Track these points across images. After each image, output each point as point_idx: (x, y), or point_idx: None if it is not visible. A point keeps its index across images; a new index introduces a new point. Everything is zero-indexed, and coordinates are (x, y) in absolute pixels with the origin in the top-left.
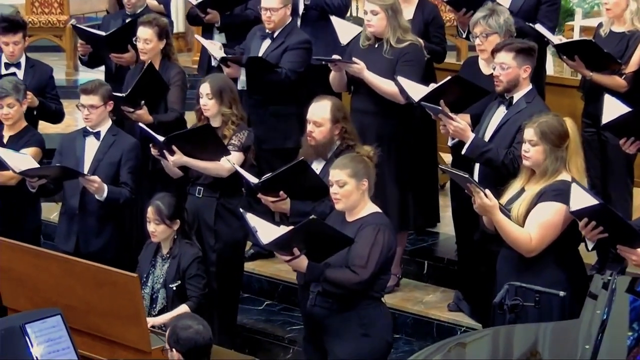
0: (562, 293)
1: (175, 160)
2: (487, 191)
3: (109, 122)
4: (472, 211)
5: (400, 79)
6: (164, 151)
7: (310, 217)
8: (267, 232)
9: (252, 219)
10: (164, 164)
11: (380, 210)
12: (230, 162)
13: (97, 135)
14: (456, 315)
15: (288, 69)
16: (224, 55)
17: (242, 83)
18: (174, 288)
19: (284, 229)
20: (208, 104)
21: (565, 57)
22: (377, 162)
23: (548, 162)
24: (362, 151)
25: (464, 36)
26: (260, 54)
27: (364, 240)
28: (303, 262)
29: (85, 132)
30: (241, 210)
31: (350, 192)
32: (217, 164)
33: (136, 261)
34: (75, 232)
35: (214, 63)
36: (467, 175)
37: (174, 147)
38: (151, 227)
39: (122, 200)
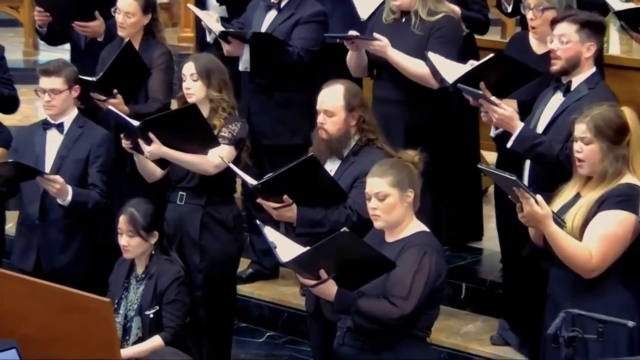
0: (631, 323)
1: (152, 150)
2: (539, 197)
3: (75, 112)
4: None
5: (431, 54)
6: (139, 141)
7: (342, 229)
8: (288, 249)
9: (271, 234)
10: (138, 163)
11: (427, 229)
12: (224, 159)
13: (60, 127)
14: (501, 349)
15: (300, 47)
16: (223, 28)
17: (245, 63)
18: (151, 315)
19: (301, 248)
20: (193, 86)
21: (627, 26)
22: (422, 169)
23: (607, 163)
24: (405, 156)
25: (509, 10)
26: (263, 29)
27: (406, 266)
28: (331, 288)
29: (45, 125)
30: (258, 222)
31: (393, 206)
32: (203, 157)
33: (102, 278)
34: (35, 246)
35: (209, 39)
36: (513, 177)
37: (151, 135)
38: (123, 240)
39: (91, 204)
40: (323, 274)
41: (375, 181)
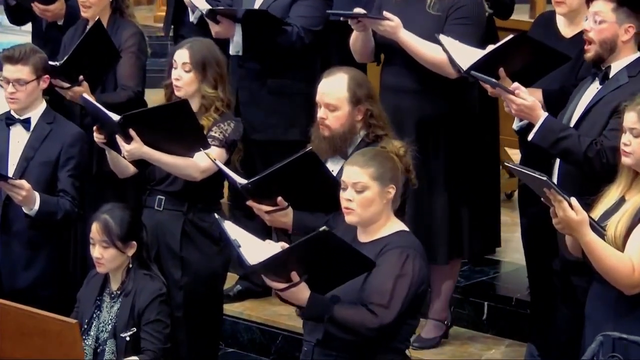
0: None
1: (131, 150)
2: (574, 200)
3: (43, 105)
4: (551, 230)
5: (443, 37)
6: (117, 137)
7: (322, 227)
8: (254, 248)
9: (233, 230)
10: (110, 158)
11: (406, 228)
12: (210, 155)
13: (26, 123)
14: None
15: (301, 26)
16: (209, 6)
17: (236, 46)
18: (128, 338)
19: (273, 245)
20: (183, 78)
21: None
22: (408, 164)
23: None
24: (389, 146)
25: None
26: (256, 6)
27: (387, 270)
28: (304, 292)
29: (9, 120)
30: (216, 216)
31: (371, 201)
32: (188, 160)
33: (75, 300)
34: None
35: (191, 18)
36: (544, 177)
37: (132, 132)
38: (96, 251)
39: (61, 215)
40: (295, 276)
41: (355, 171)
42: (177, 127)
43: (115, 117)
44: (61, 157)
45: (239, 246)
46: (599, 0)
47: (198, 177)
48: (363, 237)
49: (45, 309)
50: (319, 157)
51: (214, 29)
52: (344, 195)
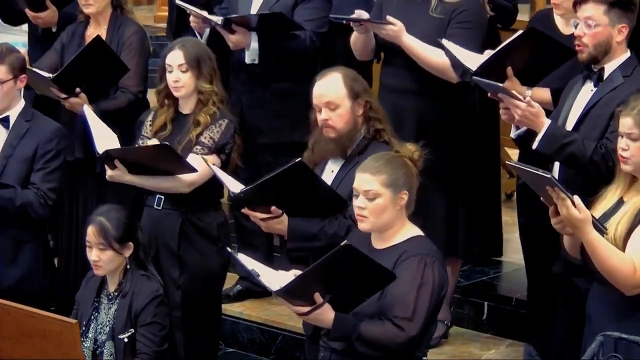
0: None
1: (113, 176)
2: (577, 198)
3: (21, 104)
4: (551, 231)
5: (445, 42)
6: (105, 164)
7: (343, 242)
8: (271, 275)
9: (248, 262)
10: None
11: (422, 233)
12: (207, 160)
13: (5, 122)
14: None
15: (310, 29)
16: (217, 18)
17: (252, 54)
18: (126, 340)
19: (286, 274)
20: (182, 78)
21: None
22: (421, 167)
23: None
24: (403, 150)
25: None
26: (254, 10)
27: (406, 281)
28: (328, 313)
29: None
30: (229, 250)
31: (384, 208)
32: (173, 179)
33: (72, 300)
34: None
35: (202, 39)
36: (548, 175)
37: (117, 162)
38: (93, 254)
39: (20, 202)
40: (318, 297)
41: (366, 178)
42: (161, 161)
43: (100, 147)
44: (37, 153)
45: (258, 275)
46: (588, 5)
47: (187, 190)
48: (378, 244)
49: (31, 306)
50: (308, 166)
51: (231, 39)
52: (356, 203)
